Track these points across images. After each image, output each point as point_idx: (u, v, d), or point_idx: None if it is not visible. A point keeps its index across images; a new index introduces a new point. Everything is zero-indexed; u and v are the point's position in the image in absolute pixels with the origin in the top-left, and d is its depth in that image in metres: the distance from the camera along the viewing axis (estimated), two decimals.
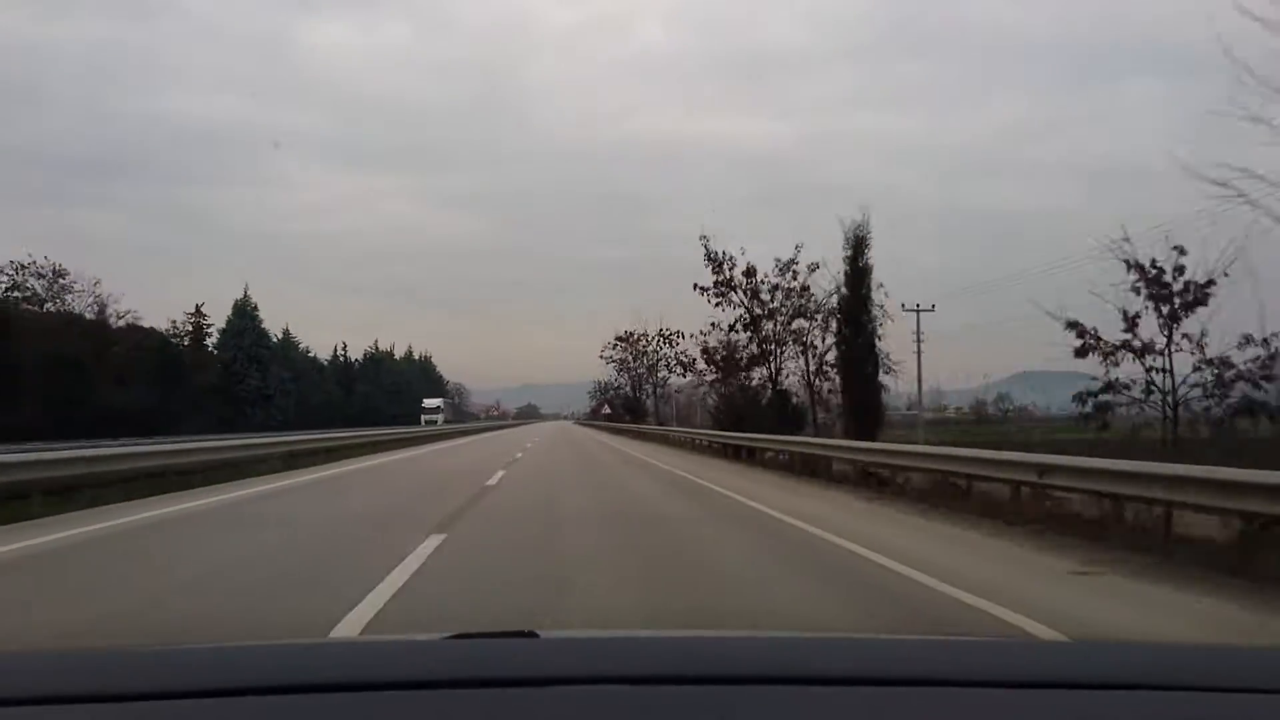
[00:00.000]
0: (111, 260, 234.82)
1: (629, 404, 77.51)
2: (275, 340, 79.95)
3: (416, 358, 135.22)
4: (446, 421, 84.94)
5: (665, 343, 58.12)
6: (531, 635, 1.64)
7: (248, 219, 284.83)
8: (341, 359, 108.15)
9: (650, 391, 70.70)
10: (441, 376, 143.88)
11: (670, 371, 53.83)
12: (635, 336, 66.05)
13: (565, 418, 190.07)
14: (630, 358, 69.15)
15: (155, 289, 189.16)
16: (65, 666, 1.59)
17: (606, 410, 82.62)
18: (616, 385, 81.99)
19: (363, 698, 1.29)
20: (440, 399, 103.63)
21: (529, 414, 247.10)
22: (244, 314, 73.74)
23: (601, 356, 72.83)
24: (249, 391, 71.38)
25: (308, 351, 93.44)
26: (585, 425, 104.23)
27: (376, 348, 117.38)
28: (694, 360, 42.14)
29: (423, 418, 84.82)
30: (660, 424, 61.24)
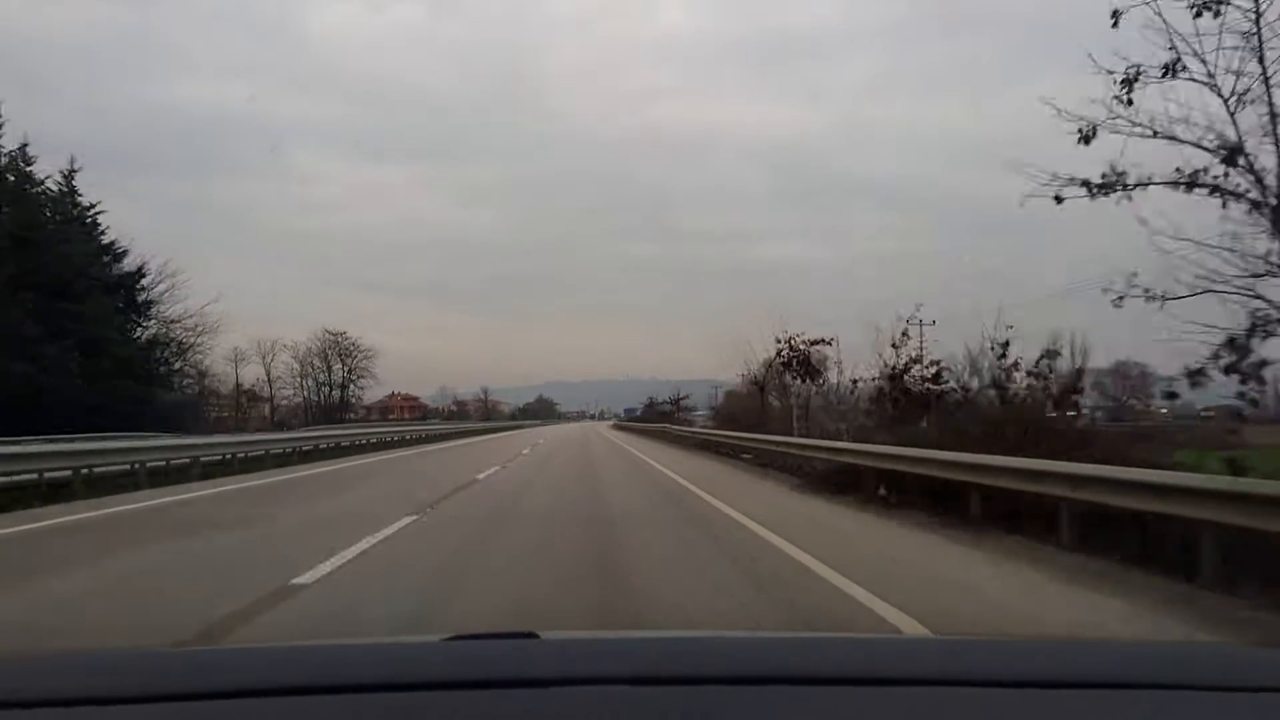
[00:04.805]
0: None
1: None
2: None
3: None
4: None
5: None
6: (531, 636, 1.64)
7: (252, 215, 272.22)
8: None
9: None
10: (119, 249, 38.95)
11: None
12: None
13: (591, 417, 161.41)
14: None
15: None
16: (60, 668, 1.60)
17: None
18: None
19: (363, 699, 1.29)
20: None
21: (538, 413, 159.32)
22: None
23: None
24: None
25: None
26: (627, 429, 71.50)
27: None
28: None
29: None
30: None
